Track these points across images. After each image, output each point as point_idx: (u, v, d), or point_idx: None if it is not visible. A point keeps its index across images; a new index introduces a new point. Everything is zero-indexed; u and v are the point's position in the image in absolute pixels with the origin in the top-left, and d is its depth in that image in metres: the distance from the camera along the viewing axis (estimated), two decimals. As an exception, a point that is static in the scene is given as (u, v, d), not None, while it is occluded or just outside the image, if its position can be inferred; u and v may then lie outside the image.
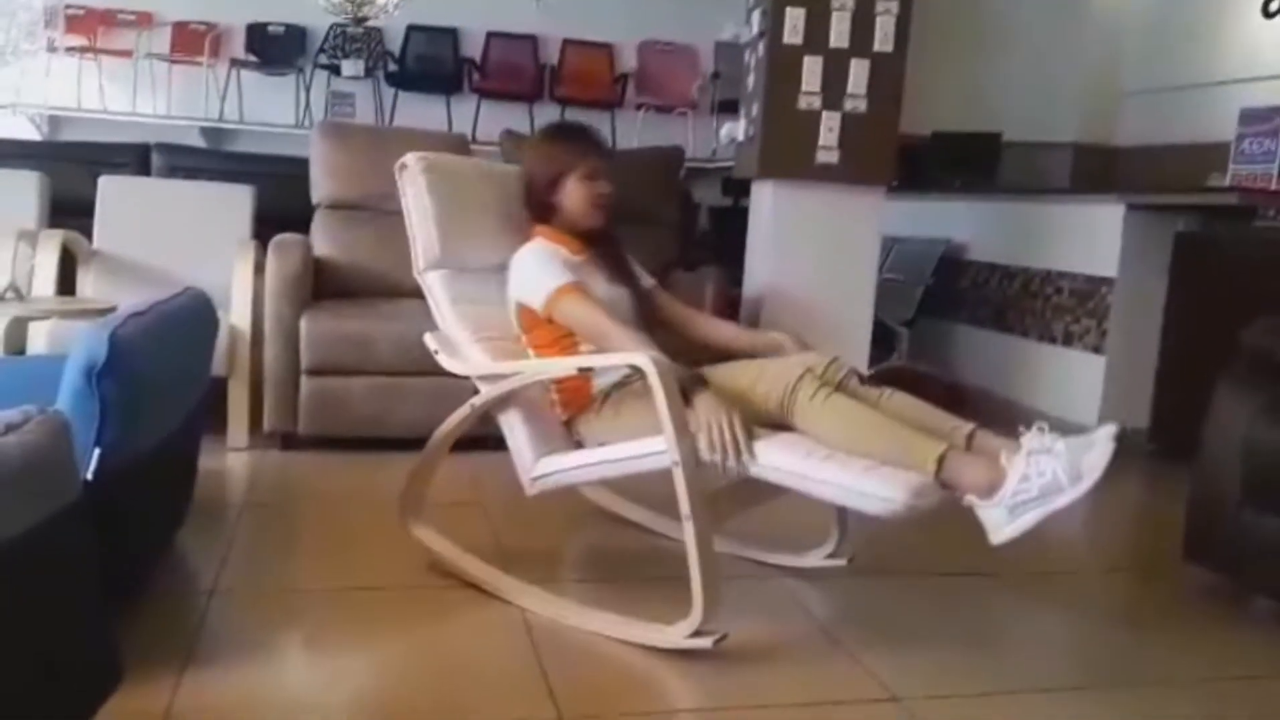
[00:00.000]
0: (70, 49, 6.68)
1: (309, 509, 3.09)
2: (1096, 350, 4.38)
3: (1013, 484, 1.91)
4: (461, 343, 2.47)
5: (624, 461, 2.20)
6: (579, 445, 2.40)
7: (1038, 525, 1.90)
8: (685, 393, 2.08)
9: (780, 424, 2.14)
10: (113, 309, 2.69)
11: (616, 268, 2.56)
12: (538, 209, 2.53)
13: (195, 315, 2.48)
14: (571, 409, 2.42)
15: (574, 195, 2.47)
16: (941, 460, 1.95)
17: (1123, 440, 1.91)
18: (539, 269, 2.39)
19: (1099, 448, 1.89)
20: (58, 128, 6.68)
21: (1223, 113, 4.81)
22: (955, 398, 5.23)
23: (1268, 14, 5.26)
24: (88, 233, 3.95)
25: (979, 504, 1.95)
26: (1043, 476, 1.89)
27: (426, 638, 2.21)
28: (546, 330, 2.41)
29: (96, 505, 1.65)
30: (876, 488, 1.96)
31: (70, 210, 4.05)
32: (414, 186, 2.54)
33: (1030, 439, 1.94)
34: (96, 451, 1.77)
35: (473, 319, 2.51)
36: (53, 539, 1.36)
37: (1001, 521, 1.92)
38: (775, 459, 2.06)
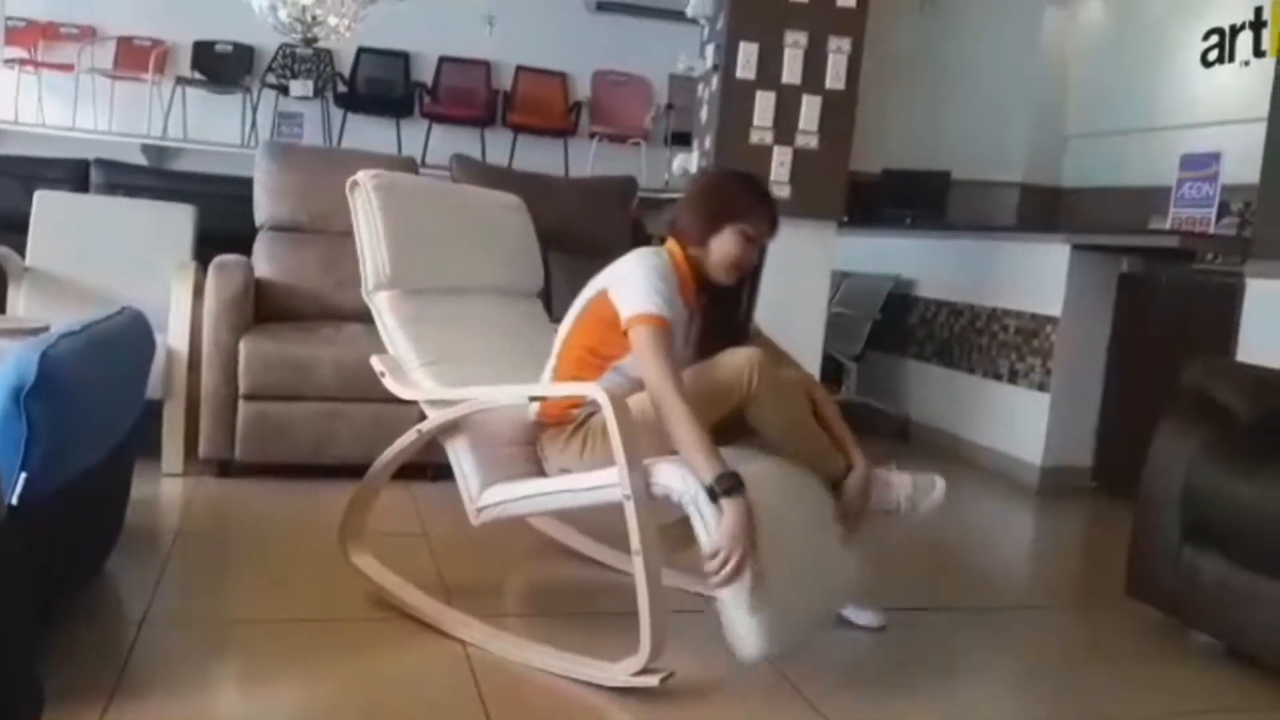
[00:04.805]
0: (9, 61, 6.53)
1: (245, 537, 3.01)
2: (1041, 388, 4.44)
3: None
4: (410, 367, 2.42)
5: (573, 493, 2.17)
6: (538, 465, 2.37)
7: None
8: (712, 492, 1.98)
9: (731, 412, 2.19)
10: (45, 328, 2.62)
11: (708, 333, 2.41)
12: (686, 234, 2.40)
13: (131, 336, 2.41)
14: (549, 418, 2.36)
15: (725, 243, 2.34)
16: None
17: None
18: (649, 283, 2.25)
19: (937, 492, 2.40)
20: (-7, 141, 6.52)
21: (1163, 157, 4.93)
22: (901, 433, 5.28)
23: (1206, 64, 5.41)
24: (21, 249, 3.84)
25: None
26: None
27: (365, 671, 2.15)
28: (604, 335, 2.31)
29: (22, 531, 1.60)
30: None
31: (3, 225, 3.94)
32: (366, 205, 2.49)
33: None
34: (23, 476, 1.70)
35: (423, 342, 2.46)
36: (-29, 568, 1.30)
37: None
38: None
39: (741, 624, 1.97)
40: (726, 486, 1.97)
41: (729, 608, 1.98)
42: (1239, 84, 5.15)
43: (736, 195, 2.41)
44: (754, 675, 2.22)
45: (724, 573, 1.94)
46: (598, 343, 2.34)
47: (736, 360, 2.22)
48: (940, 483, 2.40)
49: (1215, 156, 4.27)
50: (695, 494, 1.99)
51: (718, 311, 2.44)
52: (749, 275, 2.43)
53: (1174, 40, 5.67)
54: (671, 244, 2.41)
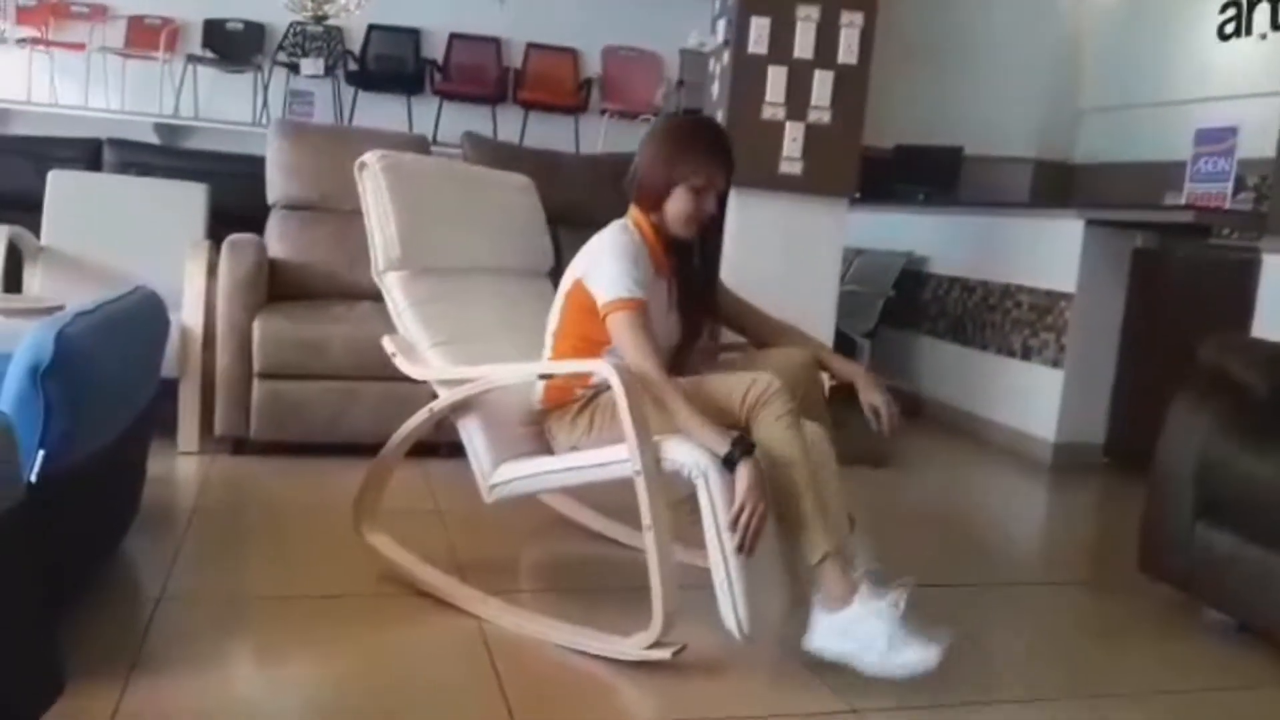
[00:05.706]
0: (21, 40, 6.54)
1: (260, 514, 3.03)
2: (1055, 364, 4.42)
3: (846, 620, 2.04)
4: (421, 346, 2.43)
5: (585, 470, 2.18)
6: (548, 444, 2.37)
7: (836, 658, 2.06)
8: (730, 459, 2.01)
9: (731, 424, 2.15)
10: (60, 308, 2.63)
11: (687, 292, 2.43)
12: (642, 197, 2.38)
13: (145, 315, 2.43)
14: (551, 403, 2.37)
15: (677, 204, 2.32)
16: (823, 561, 2.06)
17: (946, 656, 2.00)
18: (619, 265, 2.24)
19: (919, 656, 2.00)
20: (5, 121, 6.53)
21: (1178, 132, 4.89)
22: (913, 409, 5.27)
23: (1222, 36, 5.36)
24: (35, 229, 3.86)
25: (820, 609, 2.07)
26: (868, 637, 2.02)
27: (380, 647, 2.17)
28: (589, 321, 2.29)
29: (40, 509, 1.61)
30: None
31: (17, 205, 3.95)
32: (374, 185, 2.49)
33: (889, 598, 2.04)
34: (41, 454, 1.72)
35: (433, 322, 2.46)
36: (-9, 544, 1.31)
37: (820, 634, 2.07)
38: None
39: (733, 597, 2.00)
40: (742, 451, 2.00)
41: (720, 580, 2.00)
42: (1256, 57, 5.10)
43: (671, 156, 2.34)
44: (763, 649, 2.23)
45: (752, 526, 1.97)
46: (588, 329, 2.32)
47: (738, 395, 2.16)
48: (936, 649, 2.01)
49: (1231, 130, 4.24)
50: (705, 468, 2.00)
51: (685, 272, 2.43)
52: (710, 227, 2.40)
53: (1190, 13, 5.60)
54: (634, 212, 2.40)
